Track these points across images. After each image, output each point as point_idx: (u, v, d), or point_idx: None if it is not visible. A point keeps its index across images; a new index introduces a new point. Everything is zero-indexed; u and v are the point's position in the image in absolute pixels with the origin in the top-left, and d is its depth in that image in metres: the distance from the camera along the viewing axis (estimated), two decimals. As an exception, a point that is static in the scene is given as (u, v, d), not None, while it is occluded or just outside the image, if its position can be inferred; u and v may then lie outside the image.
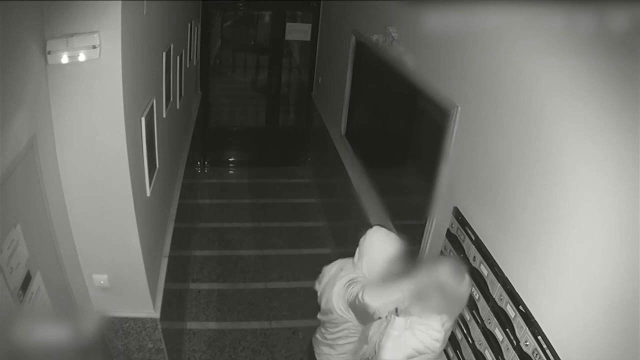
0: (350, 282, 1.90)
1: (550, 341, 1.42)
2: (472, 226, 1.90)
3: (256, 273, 4.17)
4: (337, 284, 1.96)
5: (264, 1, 5.46)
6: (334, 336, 2.09)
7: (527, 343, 1.51)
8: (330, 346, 2.12)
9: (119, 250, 2.04)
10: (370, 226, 2.03)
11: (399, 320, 1.74)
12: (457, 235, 2.02)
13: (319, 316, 2.17)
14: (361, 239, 2.00)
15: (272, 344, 3.44)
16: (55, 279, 1.77)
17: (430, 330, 1.70)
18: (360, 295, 1.77)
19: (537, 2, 1.52)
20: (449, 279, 1.65)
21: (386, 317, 1.79)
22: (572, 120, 1.36)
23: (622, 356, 1.20)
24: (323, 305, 2.08)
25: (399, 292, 1.68)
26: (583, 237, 1.32)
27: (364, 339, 2.10)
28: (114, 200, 1.91)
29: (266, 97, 6.00)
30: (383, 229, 1.98)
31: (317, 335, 2.21)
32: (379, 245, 1.93)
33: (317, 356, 2.20)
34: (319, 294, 2.17)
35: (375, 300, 1.72)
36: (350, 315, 1.91)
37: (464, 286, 1.68)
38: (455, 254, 2.02)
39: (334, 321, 2.04)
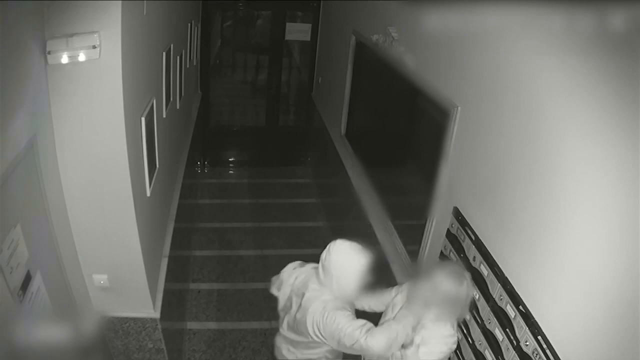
0: (328, 311, 1.79)
1: (550, 341, 1.42)
2: (472, 226, 1.90)
3: (256, 273, 4.16)
4: (309, 309, 1.84)
5: (264, 1, 5.46)
6: (307, 357, 2.02)
7: (527, 343, 1.51)
8: None
9: (119, 250, 2.04)
10: (352, 233, 1.97)
11: (409, 352, 1.77)
12: (457, 235, 2.02)
13: (283, 332, 2.07)
14: (322, 255, 1.87)
15: (272, 344, 3.42)
16: (55, 279, 1.77)
17: (444, 338, 1.74)
18: (363, 341, 1.71)
19: (537, 2, 1.52)
20: (449, 284, 1.66)
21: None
22: (572, 120, 1.36)
23: (622, 356, 1.20)
24: (290, 322, 1.99)
25: (403, 331, 1.71)
26: (583, 237, 1.32)
27: (339, 356, 2.08)
28: (114, 200, 1.91)
29: (266, 97, 6.00)
30: (345, 242, 1.84)
31: (284, 352, 2.11)
32: (346, 260, 1.80)
33: None
34: (279, 299, 2.11)
35: (384, 346, 1.70)
36: (331, 342, 1.82)
37: (465, 288, 1.69)
38: (456, 254, 2.02)
39: (308, 343, 1.95)
